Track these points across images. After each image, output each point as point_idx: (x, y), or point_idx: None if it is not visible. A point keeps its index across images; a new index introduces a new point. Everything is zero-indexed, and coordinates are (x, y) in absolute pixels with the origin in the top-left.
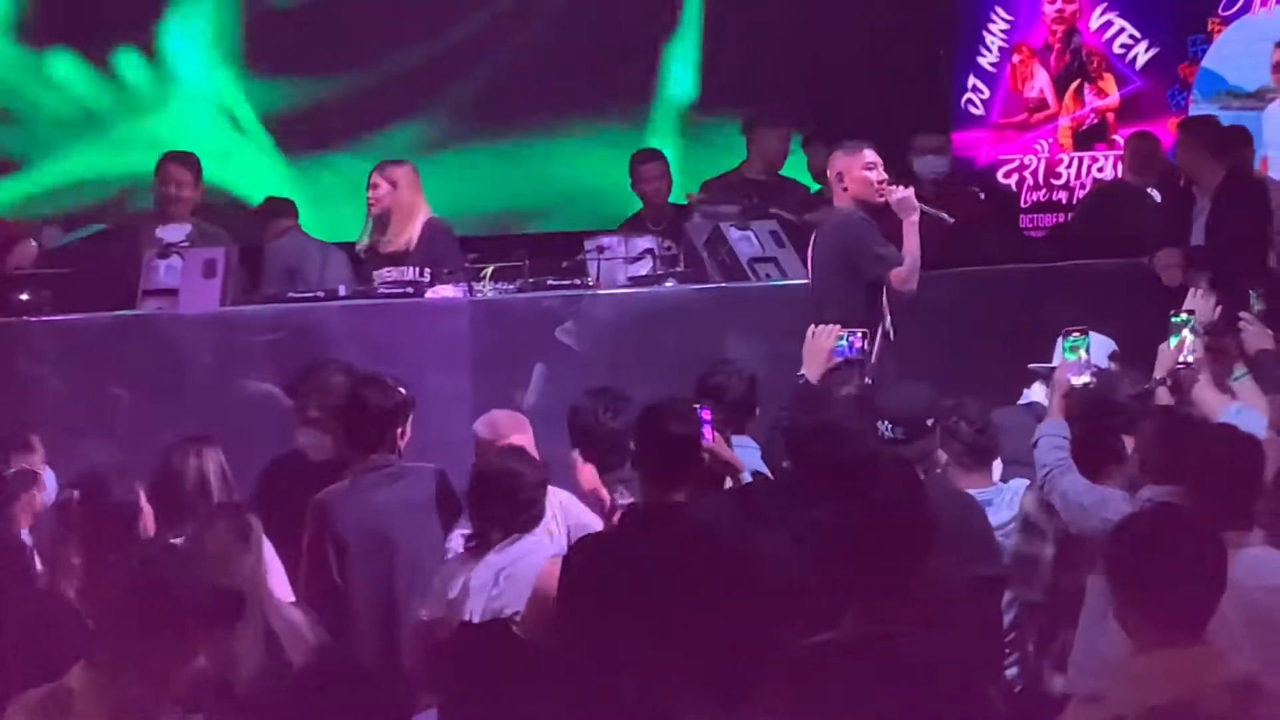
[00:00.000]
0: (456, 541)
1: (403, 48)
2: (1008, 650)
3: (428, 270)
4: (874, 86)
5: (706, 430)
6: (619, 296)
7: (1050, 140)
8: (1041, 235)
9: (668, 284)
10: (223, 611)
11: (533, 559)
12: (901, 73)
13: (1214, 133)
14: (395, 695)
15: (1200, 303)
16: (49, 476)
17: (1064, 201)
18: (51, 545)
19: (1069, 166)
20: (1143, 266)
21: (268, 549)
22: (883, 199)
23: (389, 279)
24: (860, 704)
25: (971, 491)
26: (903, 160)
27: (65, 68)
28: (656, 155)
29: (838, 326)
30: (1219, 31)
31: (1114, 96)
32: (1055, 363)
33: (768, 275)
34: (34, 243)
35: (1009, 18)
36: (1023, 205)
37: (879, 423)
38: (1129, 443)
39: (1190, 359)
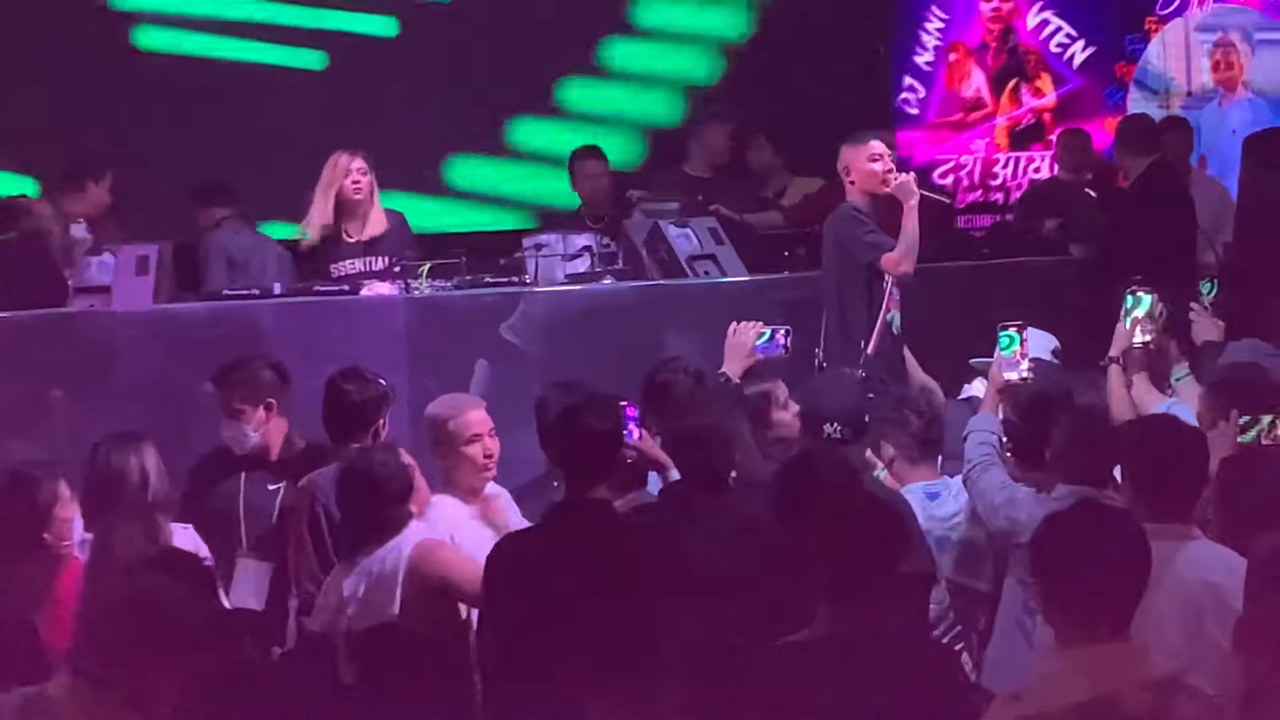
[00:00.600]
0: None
1: None
2: (955, 641)
3: (399, 260)
4: (816, 84)
5: (633, 427)
6: (557, 294)
7: (987, 140)
8: (980, 236)
9: (606, 281)
10: None
11: (398, 553)
12: (843, 70)
13: (1140, 128)
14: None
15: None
16: None
17: (1001, 202)
18: None
19: (1005, 167)
20: (1075, 263)
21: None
22: (888, 189)
23: (352, 271)
24: (833, 703)
25: (920, 484)
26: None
27: None
28: (596, 152)
29: (760, 323)
30: (1156, 31)
31: (1051, 96)
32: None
33: (706, 273)
34: None
35: (945, 16)
36: (959, 206)
37: (825, 424)
38: None
39: (1148, 338)
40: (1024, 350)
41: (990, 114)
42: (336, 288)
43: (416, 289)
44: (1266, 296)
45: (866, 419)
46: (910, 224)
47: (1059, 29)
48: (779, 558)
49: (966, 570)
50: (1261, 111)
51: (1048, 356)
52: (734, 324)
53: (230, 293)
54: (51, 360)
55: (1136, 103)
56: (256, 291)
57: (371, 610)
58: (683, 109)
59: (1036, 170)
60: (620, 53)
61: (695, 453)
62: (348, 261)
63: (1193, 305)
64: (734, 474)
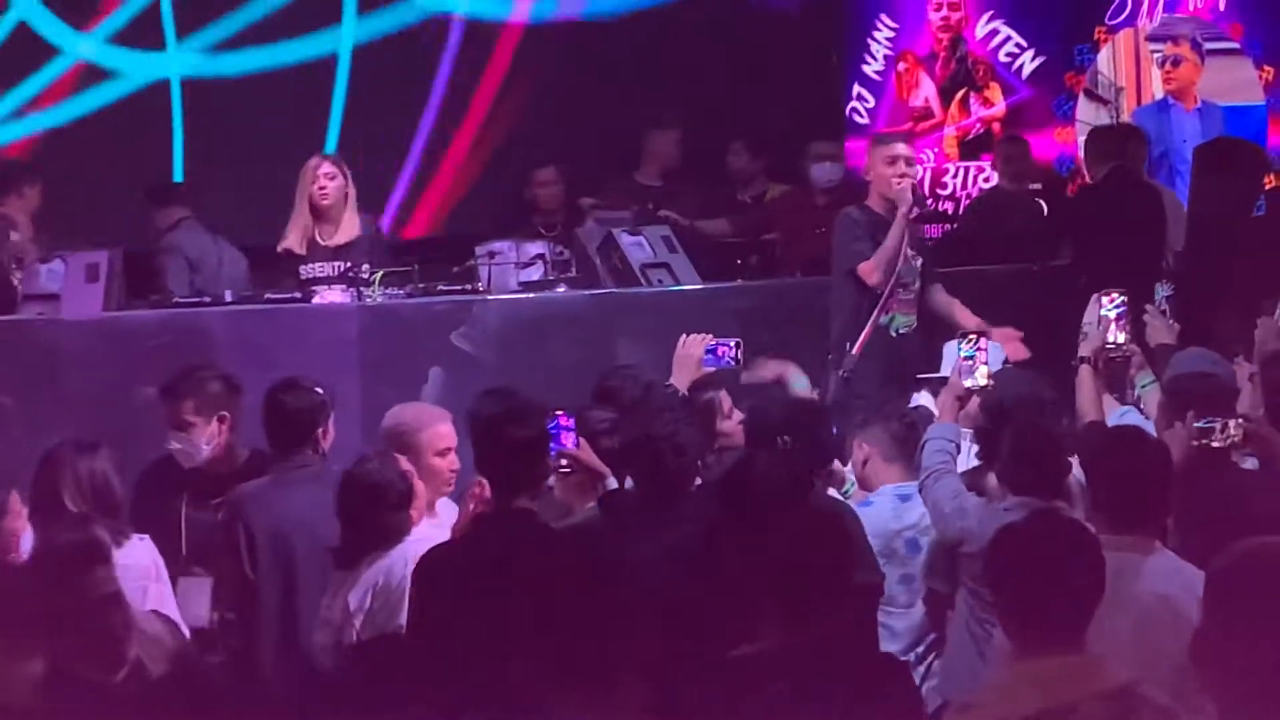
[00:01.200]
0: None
1: None
2: (932, 649)
3: (367, 266)
4: (769, 92)
5: (570, 436)
6: (510, 302)
7: (936, 150)
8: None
9: (559, 289)
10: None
11: (403, 564)
12: (796, 78)
13: (1102, 137)
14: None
15: (1093, 310)
16: None
17: (950, 212)
18: None
19: (955, 176)
20: (1032, 271)
21: (141, 557)
22: (892, 195)
23: (321, 274)
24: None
25: (891, 486)
26: (797, 167)
27: None
28: (551, 161)
29: (709, 336)
30: (1106, 40)
31: (1000, 106)
32: (944, 370)
33: (660, 281)
34: None
35: (894, 25)
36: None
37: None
38: None
39: (1120, 339)
40: (983, 358)
41: (939, 124)
42: (289, 295)
43: (369, 296)
44: (1216, 304)
45: (821, 433)
46: (892, 234)
47: (1008, 39)
48: (720, 569)
49: (936, 572)
50: (1212, 121)
51: (999, 367)
52: (684, 336)
53: (181, 300)
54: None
55: (1087, 112)
56: (208, 299)
57: (377, 622)
58: None
59: (986, 180)
60: None
61: (645, 461)
62: (317, 265)
63: (1146, 308)
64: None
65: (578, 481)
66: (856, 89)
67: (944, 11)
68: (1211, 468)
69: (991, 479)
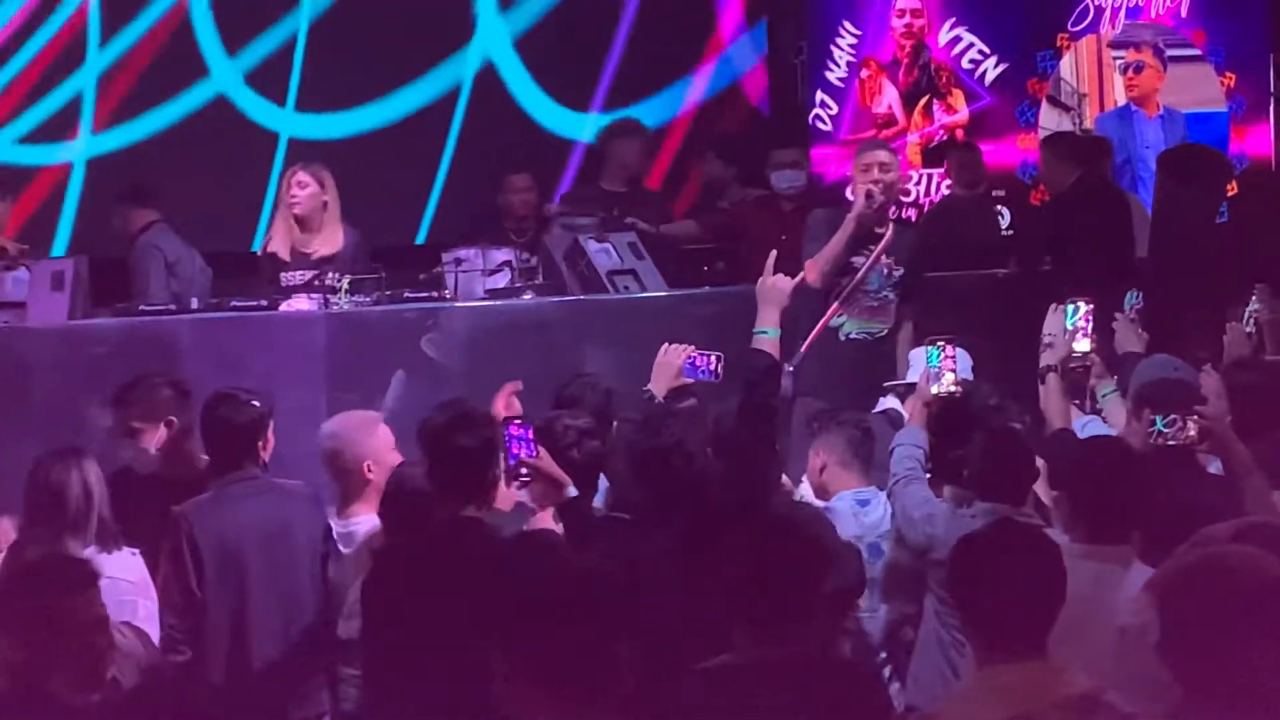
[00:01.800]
0: None
1: None
2: (884, 662)
3: (346, 277)
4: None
5: (526, 445)
6: (477, 309)
7: (899, 157)
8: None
9: (526, 296)
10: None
11: None
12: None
13: (1068, 145)
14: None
15: (1054, 318)
16: None
17: (913, 219)
18: None
19: (918, 183)
20: (995, 278)
21: (132, 570)
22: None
23: (301, 282)
24: None
25: (849, 491)
26: (760, 173)
27: None
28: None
29: (691, 346)
30: (1069, 47)
31: (963, 113)
32: (910, 377)
33: (626, 288)
34: None
35: (857, 32)
36: None
37: None
38: None
39: (1085, 348)
40: (951, 365)
41: (902, 130)
42: (254, 303)
43: (336, 304)
44: (1181, 310)
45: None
46: (836, 235)
47: (971, 45)
48: (687, 580)
49: (892, 591)
50: (1174, 127)
51: (968, 375)
52: (666, 344)
53: (147, 308)
54: None
55: (1049, 119)
56: (174, 307)
57: None
58: None
59: (949, 187)
60: None
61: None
62: (295, 273)
63: (1116, 316)
64: None
65: (541, 491)
66: (819, 96)
67: (907, 18)
68: (1177, 468)
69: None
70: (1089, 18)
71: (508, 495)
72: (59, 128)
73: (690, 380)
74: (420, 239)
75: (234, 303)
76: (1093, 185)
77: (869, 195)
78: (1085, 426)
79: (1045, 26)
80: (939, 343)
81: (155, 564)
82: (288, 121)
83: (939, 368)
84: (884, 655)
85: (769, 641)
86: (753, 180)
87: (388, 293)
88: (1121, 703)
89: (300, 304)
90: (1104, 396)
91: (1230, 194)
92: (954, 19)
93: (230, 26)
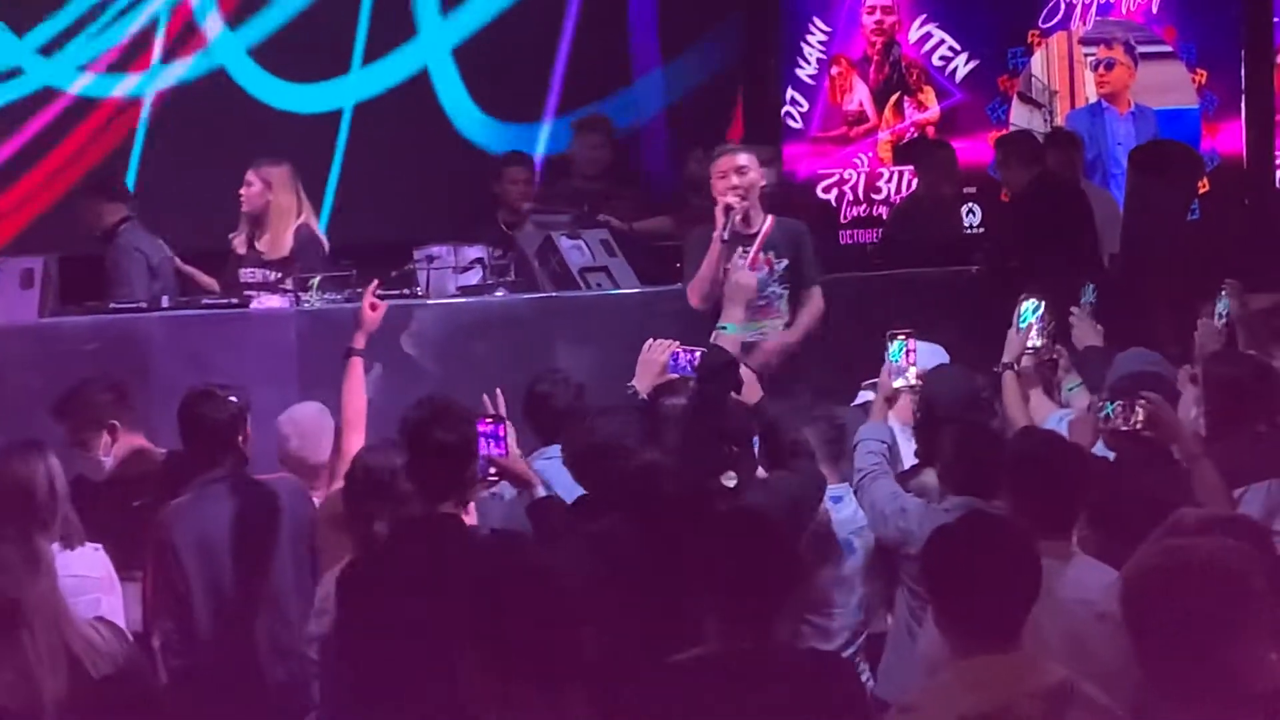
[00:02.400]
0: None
1: None
2: (854, 645)
3: (289, 280)
4: (705, 98)
5: (494, 444)
6: (449, 306)
7: (870, 154)
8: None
9: (498, 293)
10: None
11: None
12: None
13: (1025, 145)
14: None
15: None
16: None
17: (884, 217)
18: None
19: (889, 181)
20: (968, 274)
21: (95, 566)
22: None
23: (252, 280)
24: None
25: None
26: None
27: None
28: (523, 159)
29: (675, 342)
30: (1039, 44)
31: (934, 110)
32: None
33: (599, 284)
34: None
35: (827, 29)
36: (842, 220)
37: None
38: None
39: (1038, 344)
40: (912, 359)
41: (873, 128)
42: (225, 301)
43: (307, 302)
44: (1153, 306)
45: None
46: (706, 260)
47: (941, 42)
48: (656, 575)
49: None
50: (1145, 124)
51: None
52: (650, 340)
53: (118, 306)
54: None
55: (1020, 116)
56: (144, 305)
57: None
58: None
59: (918, 185)
60: None
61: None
62: (250, 269)
63: (1073, 310)
64: None
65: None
66: (790, 93)
67: (877, 15)
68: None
69: (931, 477)
70: (1060, 14)
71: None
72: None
73: (674, 376)
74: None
75: (205, 300)
76: (1050, 183)
77: (727, 209)
78: (1060, 421)
79: (1016, 23)
80: (900, 336)
81: (118, 560)
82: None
83: (901, 361)
84: (853, 651)
85: (742, 634)
86: None
87: (359, 290)
88: (1096, 693)
89: (271, 301)
90: (1069, 390)
91: (1202, 191)
92: (925, 16)
93: None
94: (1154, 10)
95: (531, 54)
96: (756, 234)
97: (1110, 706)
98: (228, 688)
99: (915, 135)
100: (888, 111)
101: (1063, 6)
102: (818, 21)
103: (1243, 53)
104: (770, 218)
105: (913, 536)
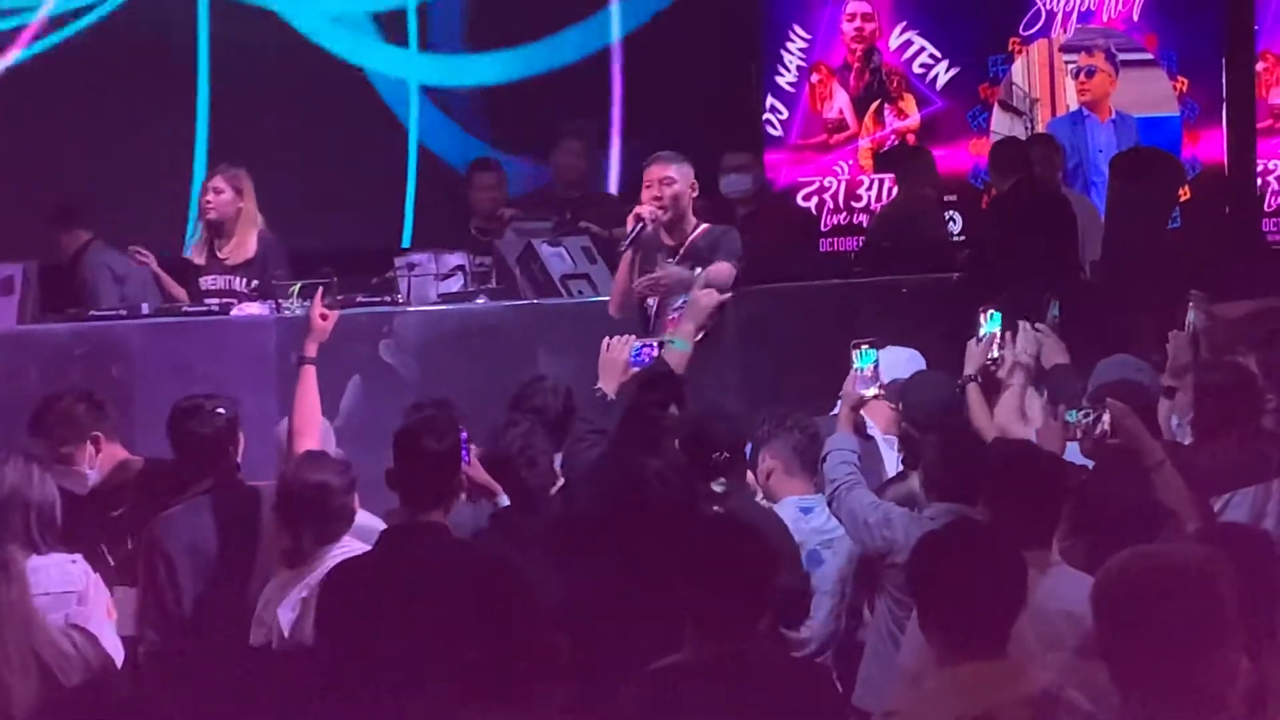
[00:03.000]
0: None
1: None
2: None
3: (254, 284)
4: (684, 102)
5: (463, 453)
6: (430, 313)
7: (850, 162)
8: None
9: (479, 300)
10: None
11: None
12: (713, 90)
13: (1008, 150)
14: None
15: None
16: None
17: (865, 225)
18: None
19: (869, 189)
20: (949, 281)
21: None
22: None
23: (214, 287)
24: None
25: (794, 498)
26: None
27: None
28: (494, 165)
29: (632, 337)
30: (1020, 52)
31: (914, 117)
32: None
33: (580, 291)
34: None
35: (807, 36)
36: (823, 229)
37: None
38: None
39: (999, 354)
40: (878, 368)
41: (853, 135)
42: (205, 308)
43: (287, 309)
44: (1134, 311)
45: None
46: (619, 270)
47: (922, 50)
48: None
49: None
50: (1126, 132)
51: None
52: (606, 340)
53: (97, 313)
54: None
55: (1001, 124)
56: (124, 312)
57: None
58: None
59: (898, 193)
60: None
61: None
62: (211, 277)
63: (1039, 327)
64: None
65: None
66: (770, 100)
67: (857, 22)
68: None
69: (915, 483)
70: (1040, 22)
71: None
72: None
73: (636, 370)
74: None
75: (184, 308)
76: (1029, 188)
77: (637, 218)
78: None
79: (997, 31)
80: (865, 345)
81: (106, 571)
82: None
83: (867, 370)
84: (822, 660)
85: (719, 641)
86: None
87: (339, 297)
88: (1082, 700)
89: (251, 309)
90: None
91: (1183, 199)
92: (905, 23)
93: None
94: (1135, 18)
95: None
96: (680, 246)
97: (1095, 714)
98: (215, 695)
99: (895, 142)
100: (868, 119)
101: (1044, 14)
102: (797, 29)
103: (1224, 60)
104: (702, 228)
105: (898, 545)
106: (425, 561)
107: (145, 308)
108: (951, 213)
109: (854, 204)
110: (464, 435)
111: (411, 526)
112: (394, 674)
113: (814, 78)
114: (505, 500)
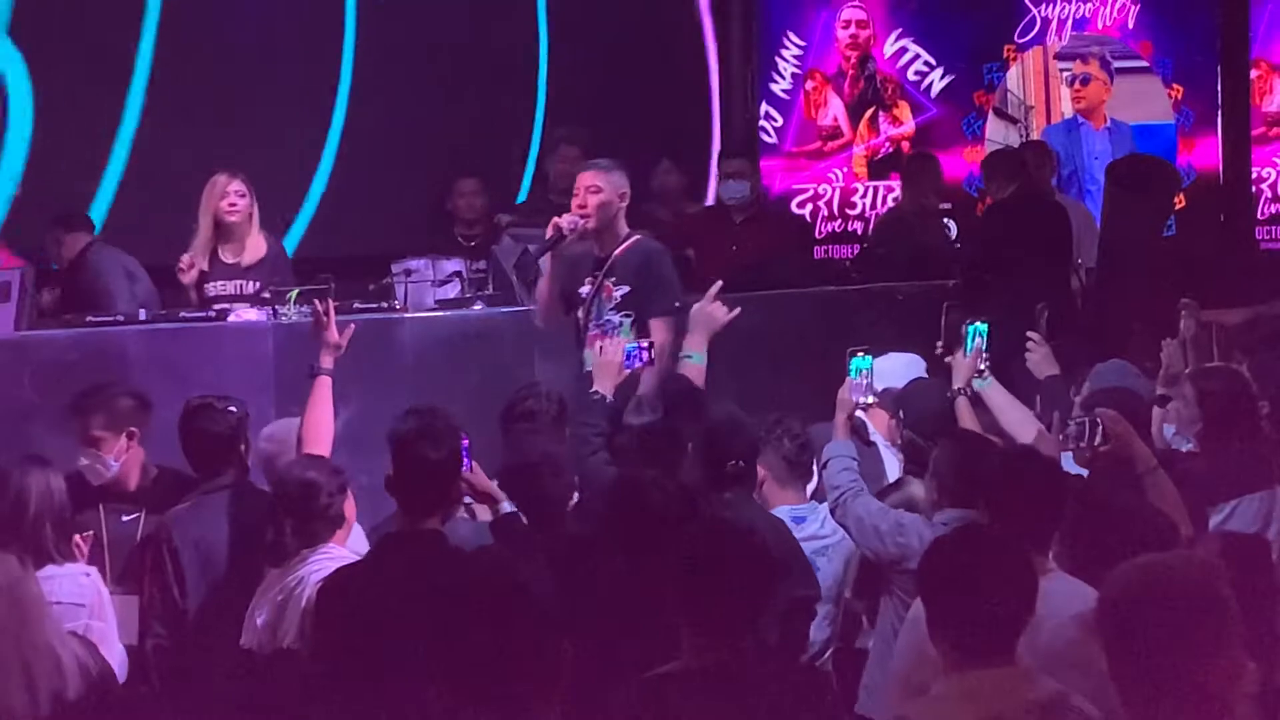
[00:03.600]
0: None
1: None
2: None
3: (261, 286)
4: (679, 108)
5: (464, 459)
6: (427, 320)
7: (845, 169)
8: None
9: (476, 307)
10: None
11: (312, 582)
12: (706, 95)
13: (1004, 160)
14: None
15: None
16: None
17: (859, 232)
18: None
19: (864, 196)
20: (946, 288)
21: (87, 592)
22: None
23: (224, 292)
24: None
25: (786, 507)
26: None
27: None
28: (473, 172)
29: (624, 339)
30: (1015, 59)
31: (909, 125)
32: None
33: None
34: None
35: (802, 43)
36: (817, 236)
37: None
38: None
39: (985, 367)
40: (870, 376)
41: (848, 143)
42: (203, 314)
43: (284, 315)
44: (1130, 318)
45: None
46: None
47: (917, 57)
48: (630, 589)
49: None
50: (1121, 139)
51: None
52: (599, 343)
53: (95, 319)
54: None
55: (996, 131)
56: (121, 317)
57: (276, 637)
58: None
59: (896, 200)
60: None
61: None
62: (220, 282)
63: (1030, 337)
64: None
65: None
66: (764, 107)
67: (852, 29)
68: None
69: (918, 489)
70: (1035, 29)
71: None
72: None
73: (630, 371)
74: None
75: (182, 313)
76: (1024, 197)
77: (556, 227)
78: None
79: (992, 38)
80: (859, 353)
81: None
82: None
83: (861, 379)
84: (826, 663)
85: (718, 647)
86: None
87: (336, 303)
88: (1089, 707)
89: (248, 315)
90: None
91: (1178, 206)
92: (900, 30)
93: None
94: (1130, 25)
95: None
96: (608, 258)
97: None
98: (219, 694)
99: (890, 150)
100: (862, 126)
101: (1039, 21)
102: (792, 35)
103: (1219, 68)
104: (632, 239)
105: (912, 551)
106: (422, 570)
107: (142, 313)
108: (947, 220)
109: (849, 211)
110: (465, 442)
111: (406, 534)
112: (388, 681)
113: (809, 85)
114: (507, 507)
